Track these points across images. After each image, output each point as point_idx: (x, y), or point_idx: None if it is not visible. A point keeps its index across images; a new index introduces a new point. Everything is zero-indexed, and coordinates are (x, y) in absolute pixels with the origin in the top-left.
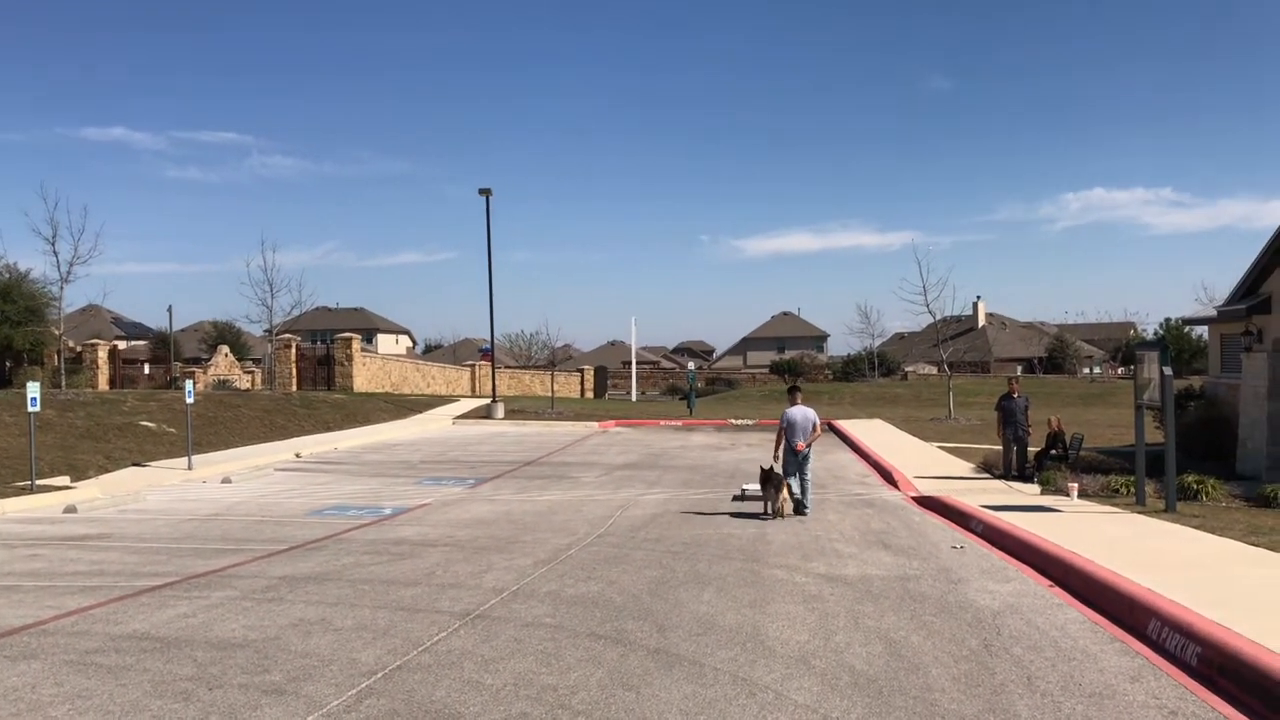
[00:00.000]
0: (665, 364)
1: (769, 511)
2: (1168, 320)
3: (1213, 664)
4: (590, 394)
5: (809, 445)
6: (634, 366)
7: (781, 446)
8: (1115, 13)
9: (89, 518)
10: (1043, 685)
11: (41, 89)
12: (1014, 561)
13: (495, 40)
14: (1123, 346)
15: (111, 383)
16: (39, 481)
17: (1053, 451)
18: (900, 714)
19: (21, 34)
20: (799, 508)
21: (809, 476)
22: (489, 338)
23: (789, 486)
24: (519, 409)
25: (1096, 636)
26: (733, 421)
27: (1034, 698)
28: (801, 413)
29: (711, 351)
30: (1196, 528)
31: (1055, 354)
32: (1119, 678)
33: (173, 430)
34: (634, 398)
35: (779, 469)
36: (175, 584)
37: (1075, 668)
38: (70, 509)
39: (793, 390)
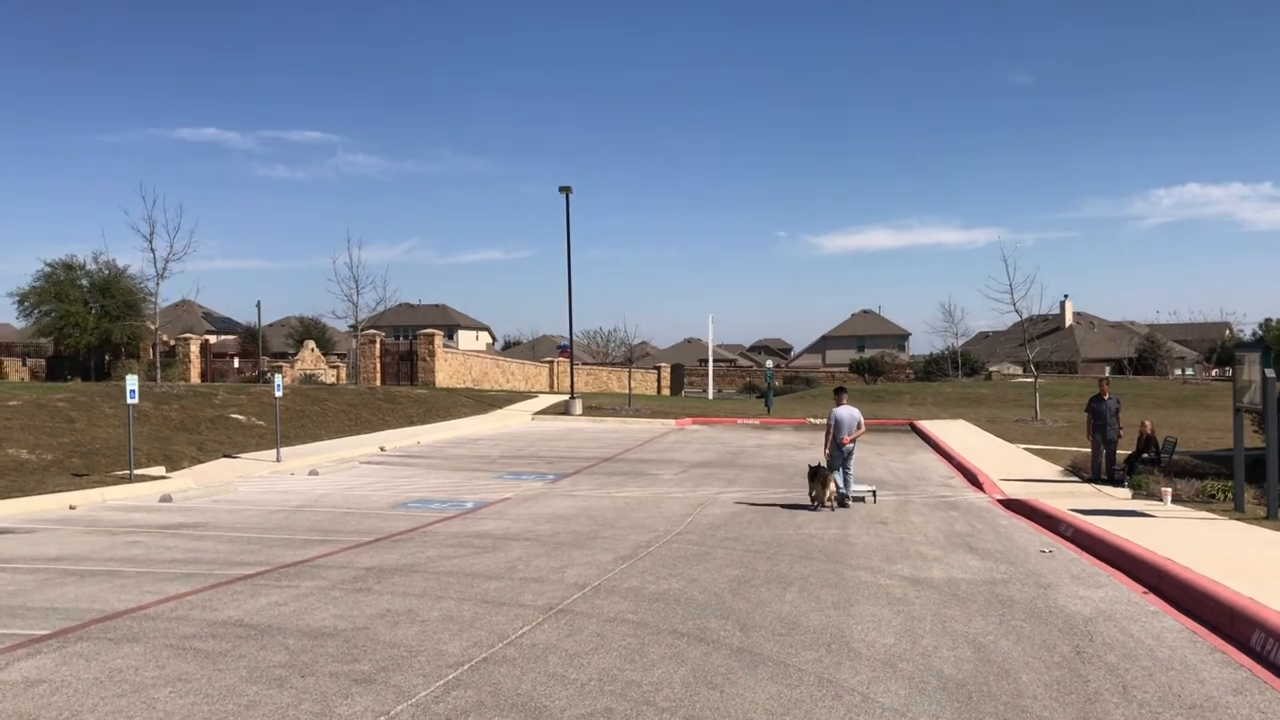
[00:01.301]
0: (742, 362)
1: (815, 504)
2: (1268, 320)
3: None
4: (667, 391)
5: (854, 440)
6: (711, 364)
7: (829, 442)
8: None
9: (183, 507)
10: (1139, 695)
11: (139, 92)
12: (1105, 567)
13: (569, 40)
14: (1218, 347)
15: (202, 376)
16: (137, 471)
17: (1144, 455)
18: None
19: (119, 41)
20: (842, 500)
21: (851, 471)
22: (567, 335)
23: (835, 481)
24: (596, 405)
25: (1195, 646)
26: (811, 420)
27: (1130, 708)
28: (848, 412)
29: (789, 350)
30: None
31: (1146, 355)
32: (1221, 690)
33: (261, 423)
34: (710, 395)
35: (825, 464)
36: (267, 573)
37: (1174, 678)
38: (166, 498)
39: (839, 391)
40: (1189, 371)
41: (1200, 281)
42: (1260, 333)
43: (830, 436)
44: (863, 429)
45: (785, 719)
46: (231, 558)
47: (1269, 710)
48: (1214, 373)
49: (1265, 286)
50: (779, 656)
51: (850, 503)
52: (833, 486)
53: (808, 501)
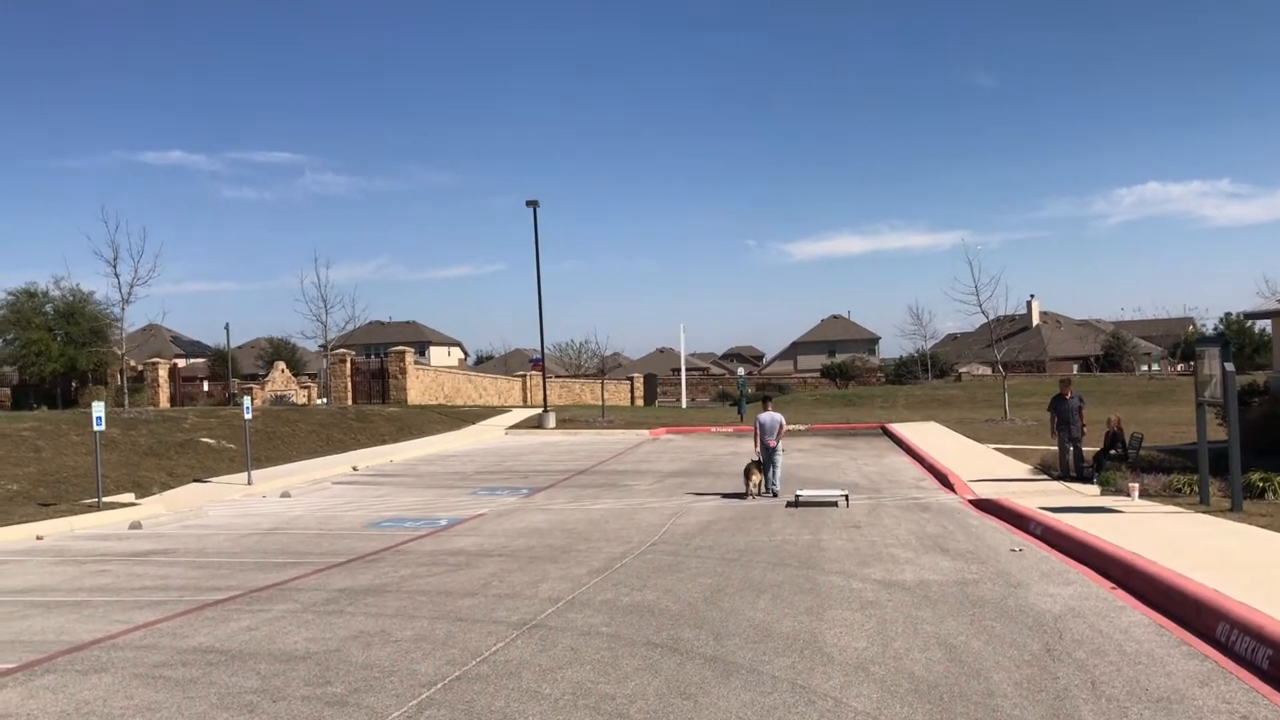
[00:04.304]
0: (715, 370)
1: (748, 494)
2: (1228, 314)
3: None
4: (640, 401)
5: (778, 440)
6: (683, 373)
7: (759, 443)
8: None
9: (153, 533)
10: (1108, 690)
11: (103, 116)
12: (1074, 564)
13: (536, 51)
14: (1181, 343)
15: (172, 400)
16: (105, 499)
17: (1112, 451)
18: None
19: (82, 64)
20: (768, 490)
21: (779, 466)
22: (539, 348)
23: (763, 474)
24: (570, 418)
25: (1162, 640)
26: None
27: (1099, 703)
28: (770, 417)
29: (761, 357)
30: (1264, 527)
31: (1112, 352)
32: (1187, 682)
33: (232, 446)
34: (684, 404)
35: (758, 461)
36: (238, 598)
37: (1141, 672)
38: (135, 525)
39: (765, 399)
40: (1154, 367)
41: (1163, 278)
42: (1221, 327)
43: (758, 437)
44: (784, 429)
45: None
46: (202, 583)
47: (1233, 700)
48: (1179, 368)
49: (1226, 281)
50: (752, 664)
51: (777, 493)
52: (756, 478)
53: (785, 509)
